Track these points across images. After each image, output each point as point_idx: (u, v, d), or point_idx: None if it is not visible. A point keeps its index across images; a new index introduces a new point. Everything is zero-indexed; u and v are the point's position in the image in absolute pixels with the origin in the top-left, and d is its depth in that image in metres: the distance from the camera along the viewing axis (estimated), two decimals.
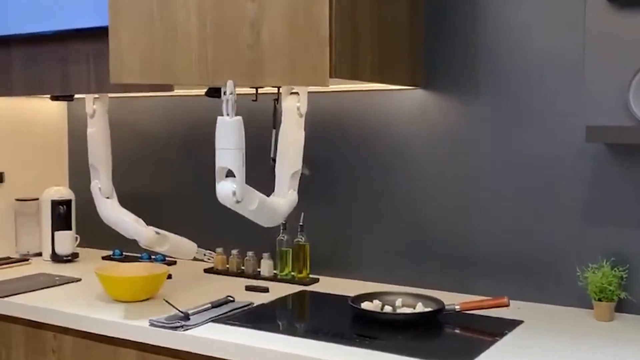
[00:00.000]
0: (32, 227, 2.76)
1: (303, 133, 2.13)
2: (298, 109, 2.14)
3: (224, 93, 1.85)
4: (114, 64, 1.80)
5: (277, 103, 2.15)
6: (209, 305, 1.96)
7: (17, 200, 2.77)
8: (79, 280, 2.35)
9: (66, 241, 2.69)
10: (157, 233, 2.33)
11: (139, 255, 2.69)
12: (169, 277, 2.32)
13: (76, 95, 2.42)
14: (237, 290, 2.20)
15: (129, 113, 2.81)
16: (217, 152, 1.87)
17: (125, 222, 2.33)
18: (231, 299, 2.04)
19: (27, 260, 2.68)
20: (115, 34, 1.75)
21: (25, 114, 2.84)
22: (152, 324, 1.83)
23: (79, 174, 2.93)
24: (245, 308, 2.00)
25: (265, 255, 2.41)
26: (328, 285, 2.29)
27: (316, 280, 2.34)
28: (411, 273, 2.25)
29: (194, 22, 1.79)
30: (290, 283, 2.31)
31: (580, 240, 1.99)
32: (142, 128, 2.81)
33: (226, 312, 1.93)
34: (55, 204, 2.71)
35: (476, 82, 2.14)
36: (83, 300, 2.09)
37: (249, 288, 2.23)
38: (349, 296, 2.00)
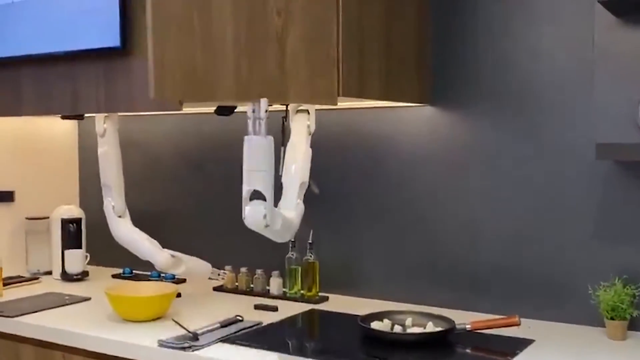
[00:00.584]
0: (43, 245, 2.77)
1: (310, 150, 2.13)
2: (308, 127, 2.15)
3: (253, 111, 1.77)
4: (157, 79, 1.70)
5: (286, 121, 2.15)
6: (218, 325, 1.96)
7: (28, 218, 2.78)
8: (89, 299, 2.35)
9: (76, 260, 2.69)
10: (172, 256, 2.32)
11: (149, 273, 2.69)
12: (178, 295, 2.31)
13: (86, 114, 2.43)
14: (246, 308, 2.19)
15: (138, 131, 2.82)
16: (246, 174, 1.79)
17: (140, 244, 2.32)
18: (240, 318, 2.03)
19: (38, 278, 2.68)
20: (158, 48, 1.70)
21: (36, 133, 2.86)
22: (161, 345, 1.83)
23: (90, 193, 2.94)
24: (254, 328, 1.99)
25: (275, 273, 2.40)
26: (337, 303, 2.28)
27: (325, 299, 2.33)
28: (421, 291, 2.23)
29: (230, 37, 1.75)
30: (300, 301, 2.30)
31: (591, 258, 1.97)
32: (150, 146, 2.82)
33: (235, 332, 1.92)
34: (65, 222, 2.72)
35: (484, 98, 2.13)
36: (92, 320, 2.08)
37: (258, 307, 2.22)
38: (358, 315, 1.99)
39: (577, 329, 1.96)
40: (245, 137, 1.81)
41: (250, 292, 2.43)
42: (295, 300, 2.32)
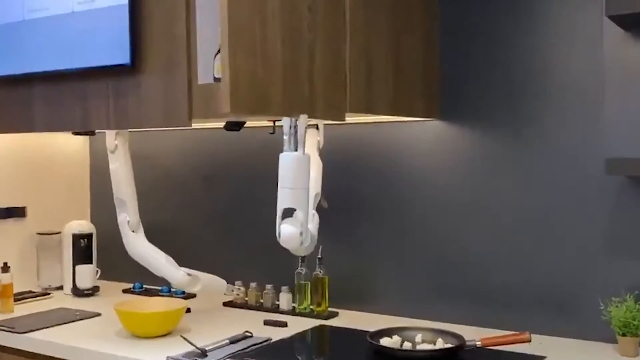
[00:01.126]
0: (54, 260, 2.78)
1: (321, 162, 2.14)
2: (318, 142, 2.15)
3: (290, 127, 1.74)
4: (232, 94, 1.64)
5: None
6: (227, 341, 1.95)
7: (39, 234, 2.80)
8: (99, 315, 2.35)
9: (87, 275, 2.70)
10: (189, 275, 2.32)
11: (159, 288, 2.70)
12: (188, 310, 2.32)
13: (97, 130, 2.45)
14: (255, 324, 2.19)
15: (147, 146, 2.84)
16: (281, 191, 1.76)
17: (157, 261, 2.33)
18: (249, 334, 2.03)
19: (49, 294, 2.69)
20: (232, 62, 1.67)
21: (47, 149, 2.88)
22: None
23: (100, 208, 2.96)
24: (264, 344, 1.98)
25: (284, 288, 2.40)
26: (347, 319, 2.27)
27: (335, 314, 2.32)
28: (431, 306, 2.22)
29: (279, 51, 1.74)
30: (309, 317, 2.30)
31: (602, 273, 1.96)
32: (160, 161, 2.83)
33: (244, 349, 1.92)
34: (76, 237, 2.74)
35: (493, 113, 2.13)
36: (102, 336, 2.09)
37: (267, 322, 2.21)
38: (368, 331, 1.98)
39: (589, 345, 1.94)
40: (282, 155, 1.77)
41: (259, 308, 2.43)
42: (304, 315, 2.31)
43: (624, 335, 1.84)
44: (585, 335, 1.97)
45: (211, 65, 1.87)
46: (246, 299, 2.49)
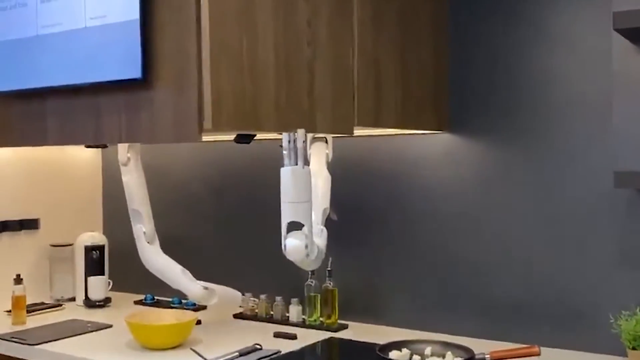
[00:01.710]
0: (66, 272, 2.81)
1: (330, 175, 2.15)
2: (327, 155, 2.16)
3: (289, 142, 1.76)
4: (215, 110, 1.69)
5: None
6: (237, 353, 1.96)
7: (52, 245, 2.82)
8: (110, 326, 2.37)
9: (99, 286, 2.72)
10: (205, 288, 2.34)
11: (170, 299, 2.72)
12: (199, 322, 2.33)
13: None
14: (265, 336, 2.20)
15: (159, 159, 2.86)
16: (285, 206, 1.78)
17: (173, 274, 2.34)
18: (259, 346, 2.04)
19: (61, 305, 2.72)
20: (215, 79, 1.71)
21: (60, 161, 2.91)
22: None
23: (113, 219, 2.98)
24: (273, 356, 1.99)
25: (294, 300, 2.41)
26: (357, 331, 2.28)
27: (345, 327, 2.33)
28: (441, 319, 2.22)
29: (272, 66, 1.75)
30: (319, 329, 2.30)
31: (612, 286, 1.95)
32: (171, 174, 2.85)
33: None
34: (88, 249, 2.76)
35: (502, 125, 2.13)
36: (113, 348, 2.10)
37: (277, 335, 2.22)
38: (377, 344, 1.98)
39: (599, 359, 1.93)
40: (282, 169, 1.79)
41: (269, 319, 2.44)
42: (314, 327, 2.32)
43: (634, 348, 1.83)
44: (595, 349, 1.97)
45: None
46: (256, 310, 2.50)
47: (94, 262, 2.76)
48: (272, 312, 2.46)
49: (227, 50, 1.66)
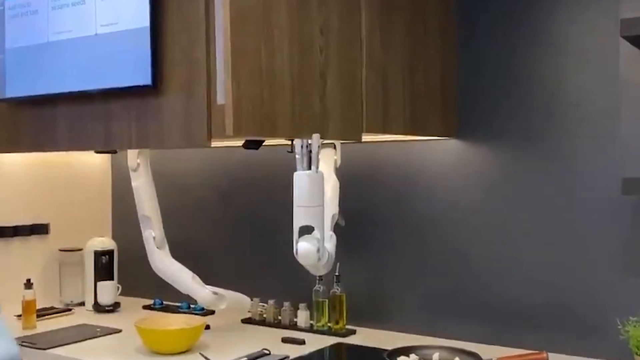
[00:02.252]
0: (76, 277, 2.82)
1: (337, 181, 2.16)
2: (335, 161, 2.17)
3: (302, 147, 1.77)
4: (235, 116, 1.68)
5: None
6: (245, 358, 1.97)
7: (62, 250, 2.84)
8: (120, 331, 2.38)
9: (108, 291, 2.74)
10: (215, 293, 2.35)
11: (178, 304, 2.73)
12: (207, 327, 2.34)
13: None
14: (273, 341, 2.21)
15: (168, 164, 2.88)
16: (298, 209, 1.79)
17: (183, 279, 2.36)
18: (267, 351, 2.05)
19: (71, 310, 2.73)
20: (235, 85, 1.71)
21: (70, 167, 2.93)
22: None
23: (122, 225, 3.00)
24: None
25: (302, 305, 2.41)
26: (365, 337, 2.28)
27: (353, 332, 2.33)
28: (449, 324, 2.23)
29: (287, 73, 1.77)
30: (327, 334, 2.31)
31: (620, 292, 1.95)
32: (180, 179, 2.87)
33: None
34: (98, 254, 2.78)
35: (509, 132, 2.14)
36: (122, 353, 2.12)
37: (285, 340, 2.23)
38: (385, 349, 1.99)
39: None
40: (296, 174, 1.80)
41: (277, 325, 2.44)
42: (322, 333, 2.33)
43: None
44: (603, 355, 1.96)
45: None
46: (264, 315, 2.51)
47: (103, 266, 2.78)
48: (280, 317, 2.47)
49: (246, 57, 1.67)
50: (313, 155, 1.77)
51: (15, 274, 2.64)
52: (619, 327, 1.90)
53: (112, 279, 2.78)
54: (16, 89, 2.30)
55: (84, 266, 2.79)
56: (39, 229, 2.80)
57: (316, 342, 2.21)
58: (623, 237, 1.96)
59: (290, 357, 2.04)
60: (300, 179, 1.78)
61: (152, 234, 2.40)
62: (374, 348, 2.12)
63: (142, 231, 2.42)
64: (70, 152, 2.88)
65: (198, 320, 2.22)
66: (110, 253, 2.80)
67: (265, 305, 2.51)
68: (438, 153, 2.27)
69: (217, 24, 1.87)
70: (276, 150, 2.42)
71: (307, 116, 1.79)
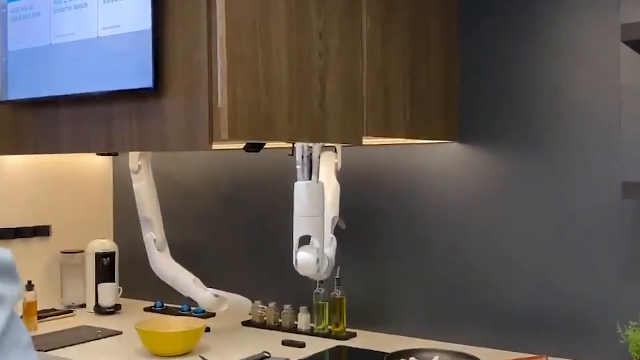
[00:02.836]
0: (77, 278, 2.83)
1: (338, 184, 2.16)
2: (336, 164, 2.18)
3: (302, 157, 1.78)
4: (230, 120, 1.69)
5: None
6: None
7: (63, 252, 2.85)
8: (120, 333, 2.39)
9: (109, 293, 2.74)
10: (216, 296, 2.36)
11: (179, 306, 2.73)
12: (207, 330, 2.34)
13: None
14: (273, 344, 2.21)
15: (169, 167, 2.88)
16: (297, 219, 1.81)
17: (183, 282, 2.36)
18: (267, 354, 2.05)
19: (72, 312, 2.73)
20: (231, 89, 1.73)
21: (72, 169, 2.94)
22: None
23: (123, 227, 3.01)
24: None
25: (302, 308, 2.42)
26: (365, 340, 2.29)
27: (353, 335, 2.33)
28: (449, 328, 2.23)
29: (285, 77, 1.78)
30: (327, 337, 2.31)
31: (620, 296, 1.95)
32: (181, 181, 2.88)
33: None
34: (99, 256, 2.78)
35: (511, 135, 2.14)
36: (123, 355, 2.12)
37: (285, 343, 2.23)
38: (385, 352, 1.99)
39: None
40: (297, 183, 1.81)
41: (278, 327, 2.45)
42: (322, 336, 2.33)
43: None
44: (603, 359, 1.96)
45: None
46: (265, 318, 2.51)
47: (105, 268, 2.78)
48: (280, 320, 2.47)
49: (243, 62, 1.68)
50: (314, 165, 1.78)
51: None
52: (619, 331, 1.90)
53: (113, 281, 2.79)
54: (18, 91, 2.30)
55: (85, 268, 2.80)
56: (41, 231, 2.80)
57: (316, 345, 2.22)
58: (623, 241, 1.96)
59: None
60: (301, 189, 1.79)
61: (153, 236, 2.41)
62: (374, 351, 2.12)
63: (143, 233, 2.43)
64: (72, 154, 2.88)
65: (198, 323, 2.23)
66: (111, 255, 2.81)
67: (265, 307, 2.51)
68: (439, 156, 2.27)
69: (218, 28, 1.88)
70: (277, 153, 2.43)
71: (305, 120, 1.80)
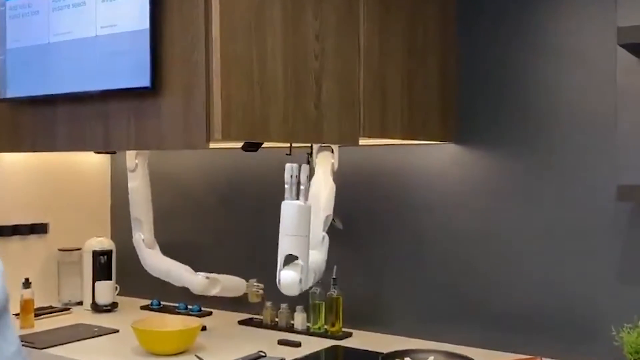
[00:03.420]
0: (74, 276, 2.83)
1: (334, 184, 2.16)
2: (332, 165, 2.18)
3: (291, 177, 1.80)
4: (224, 121, 1.72)
5: (311, 157, 2.19)
6: None
7: (61, 250, 2.85)
8: (117, 331, 2.39)
9: (106, 291, 2.75)
10: (207, 278, 2.37)
11: (176, 305, 2.74)
12: (204, 328, 2.34)
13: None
14: (269, 343, 2.21)
15: (167, 165, 2.89)
16: (283, 238, 1.82)
17: (174, 271, 2.37)
18: (263, 354, 2.05)
19: (69, 309, 2.74)
20: (225, 91, 1.75)
21: (70, 167, 2.94)
22: None
23: (121, 225, 3.01)
24: None
25: (299, 308, 2.42)
26: (361, 340, 2.29)
27: (349, 335, 2.34)
28: (444, 328, 2.23)
29: (280, 78, 1.79)
30: (323, 337, 2.32)
31: (615, 299, 1.96)
32: (179, 180, 2.88)
33: None
34: (96, 254, 2.79)
35: (508, 137, 2.15)
36: (119, 353, 2.13)
37: (281, 342, 2.24)
38: (381, 352, 2.00)
39: None
40: (284, 203, 1.83)
41: (274, 327, 2.45)
42: (318, 335, 2.34)
43: None
44: None
45: None
46: (261, 317, 2.52)
47: (102, 266, 2.79)
48: (277, 320, 2.47)
49: (237, 63, 1.69)
50: (302, 185, 1.78)
51: (14, 273, 2.61)
52: (613, 333, 1.90)
53: (111, 279, 2.79)
54: (17, 89, 2.30)
55: (82, 266, 2.80)
56: (38, 229, 2.81)
57: (312, 345, 2.22)
58: (618, 243, 1.96)
59: None
60: (288, 208, 1.80)
61: (142, 236, 2.42)
62: (370, 351, 2.13)
63: (133, 234, 2.44)
64: (70, 153, 2.89)
65: (195, 322, 2.23)
66: (108, 253, 2.81)
67: (260, 285, 2.51)
68: (436, 157, 2.28)
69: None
70: (275, 153, 2.43)
71: (301, 121, 1.81)
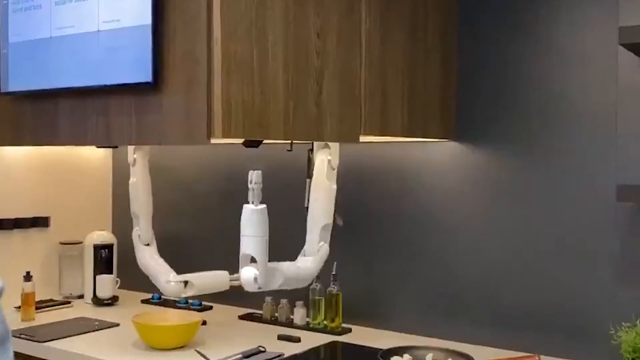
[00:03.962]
0: (75, 270, 2.84)
1: (335, 186, 2.15)
2: (329, 162, 2.17)
3: (250, 182, 1.91)
4: (224, 119, 1.73)
5: (311, 153, 2.20)
6: (240, 355, 1.99)
7: (62, 243, 2.86)
8: (117, 325, 2.41)
9: (107, 285, 2.76)
10: (183, 282, 2.30)
11: (177, 299, 2.74)
12: (204, 323, 2.35)
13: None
14: (269, 338, 2.22)
15: (168, 161, 2.89)
16: (241, 239, 1.93)
17: (154, 274, 2.34)
18: (262, 349, 2.06)
19: (69, 302, 2.75)
20: (225, 88, 1.75)
21: (72, 161, 2.95)
22: None
23: (122, 219, 3.01)
24: (276, 359, 2.02)
25: (299, 303, 2.43)
26: (360, 335, 2.30)
27: (348, 330, 2.35)
28: (443, 325, 2.24)
29: (281, 76, 1.79)
30: (323, 332, 2.33)
31: (613, 298, 1.97)
32: (180, 175, 2.88)
33: None
34: (97, 248, 2.80)
35: (509, 135, 2.15)
36: (119, 347, 2.14)
37: (280, 337, 2.25)
38: (380, 349, 2.01)
39: None
40: (244, 206, 1.93)
41: (274, 322, 2.46)
42: (318, 331, 2.35)
43: None
44: (595, 359, 1.98)
45: None
46: (261, 312, 2.53)
47: (103, 260, 2.80)
48: (277, 315, 2.48)
49: (238, 61, 1.69)
50: (255, 190, 1.91)
51: (15, 266, 2.65)
52: (612, 332, 1.91)
53: (112, 273, 2.81)
54: (19, 84, 2.31)
55: (83, 259, 2.81)
56: (40, 222, 2.82)
57: (312, 340, 2.23)
58: (617, 243, 1.97)
59: (285, 355, 2.06)
60: (246, 211, 1.93)
61: (138, 231, 2.42)
62: (369, 347, 2.14)
63: (133, 228, 2.44)
64: (71, 147, 2.89)
65: (195, 317, 2.24)
66: (109, 247, 2.82)
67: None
68: (436, 155, 2.28)
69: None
70: (276, 149, 2.43)
71: (301, 119, 1.81)
